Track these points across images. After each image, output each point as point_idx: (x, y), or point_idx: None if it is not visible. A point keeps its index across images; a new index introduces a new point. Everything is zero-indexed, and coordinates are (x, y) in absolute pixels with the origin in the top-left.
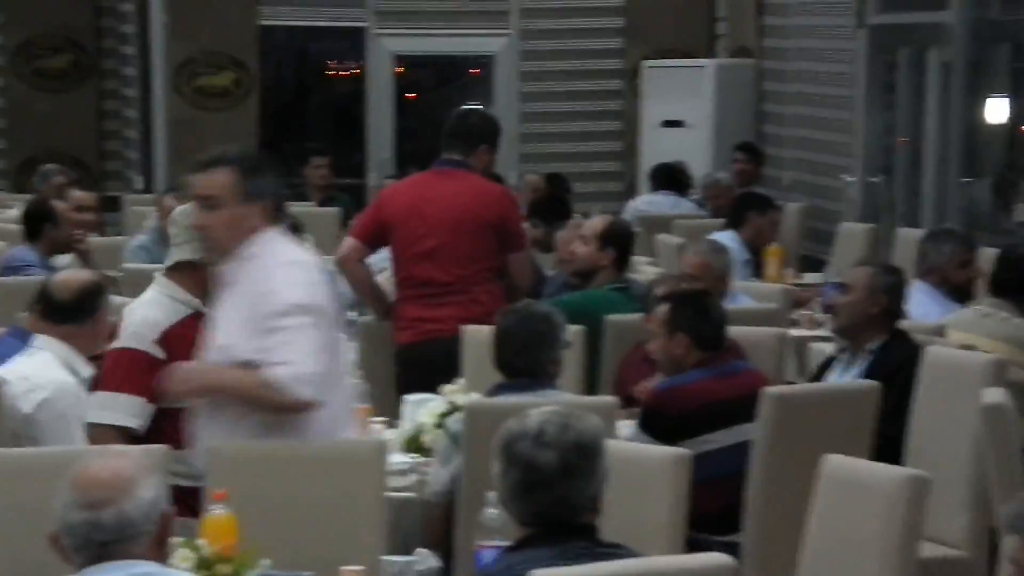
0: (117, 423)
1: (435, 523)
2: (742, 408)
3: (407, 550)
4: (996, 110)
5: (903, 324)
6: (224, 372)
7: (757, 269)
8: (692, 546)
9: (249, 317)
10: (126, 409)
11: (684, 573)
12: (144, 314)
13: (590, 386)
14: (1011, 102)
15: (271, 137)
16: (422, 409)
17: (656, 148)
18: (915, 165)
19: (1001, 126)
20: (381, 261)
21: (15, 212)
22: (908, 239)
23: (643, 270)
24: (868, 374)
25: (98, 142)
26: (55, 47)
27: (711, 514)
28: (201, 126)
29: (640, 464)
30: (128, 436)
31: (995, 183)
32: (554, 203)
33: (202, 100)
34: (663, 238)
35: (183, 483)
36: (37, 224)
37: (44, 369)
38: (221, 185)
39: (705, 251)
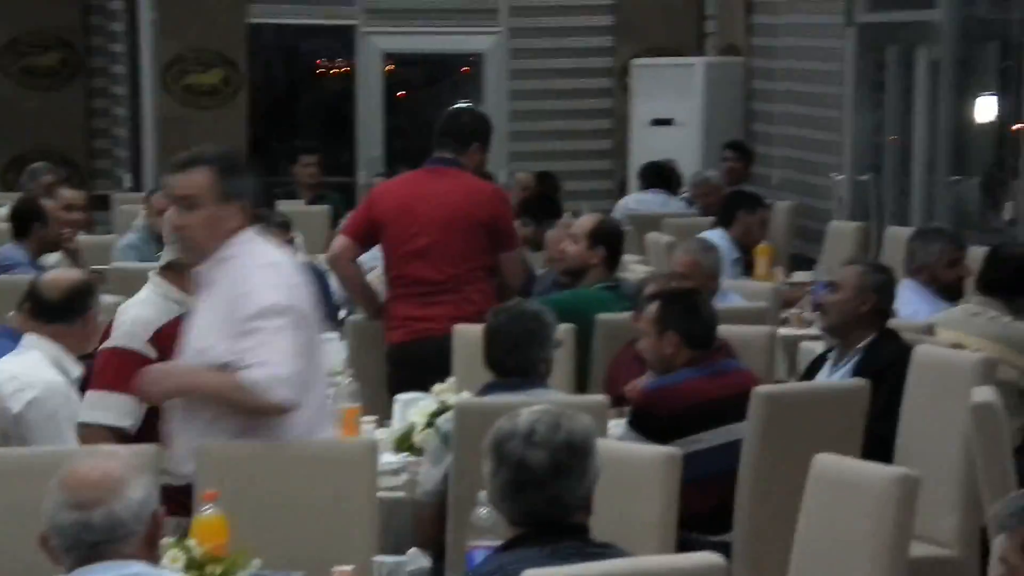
0: (108, 423)
1: (426, 523)
2: (732, 407)
3: (398, 550)
4: (985, 108)
5: (892, 323)
6: (199, 373)
7: (747, 268)
8: (683, 546)
9: (226, 319)
10: (118, 409)
11: (675, 573)
12: (137, 313)
13: (581, 385)
14: (999, 100)
15: (260, 135)
16: (413, 408)
17: (646, 146)
18: (904, 163)
19: (990, 124)
20: (371, 260)
21: (3, 211)
22: (897, 237)
23: (633, 269)
24: (858, 373)
25: (87, 140)
26: (44, 45)
27: (702, 513)
28: (190, 124)
29: (631, 463)
30: (120, 436)
31: (984, 182)
32: (544, 201)
33: (191, 98)
34: (653, 237)
35: (174, 483)
36: (25, 223)
37: (33, 368)
38: (199, 185)
39: (695, 249)
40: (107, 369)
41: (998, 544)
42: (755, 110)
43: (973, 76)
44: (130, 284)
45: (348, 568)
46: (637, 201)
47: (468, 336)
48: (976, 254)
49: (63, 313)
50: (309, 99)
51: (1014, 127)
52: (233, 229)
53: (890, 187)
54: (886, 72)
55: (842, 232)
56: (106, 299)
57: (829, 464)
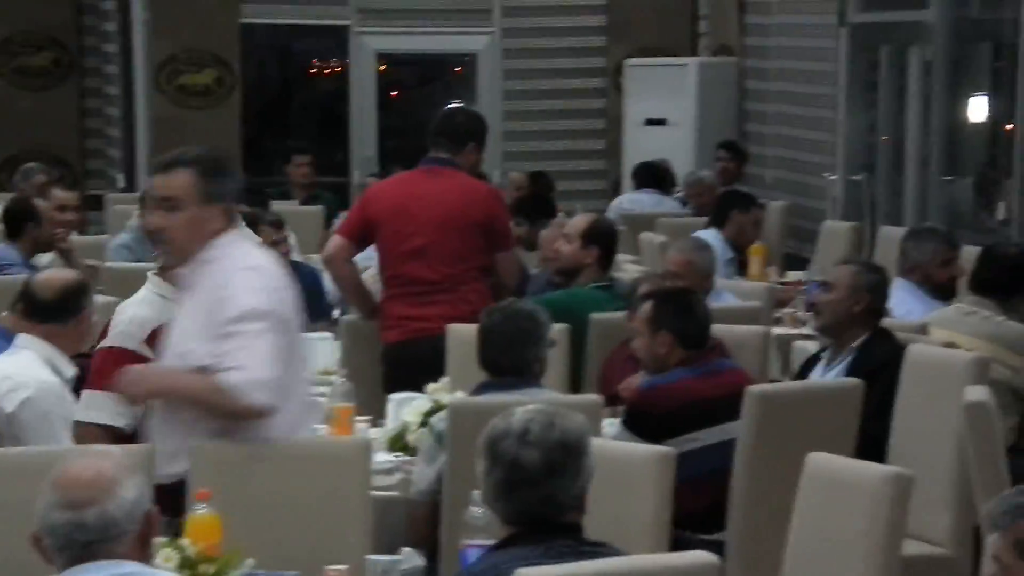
0: (104, 422)
1: (420, 522)
2: (726, 406)
3: (392, 549)
4: (977, 108)
5: (886, 322)
6: (178, 376)
7: (740, 267)
8: (676, 544)
9: (206, 322)
10: (113, 408)
11: (668, 571)
12: (134, 313)
13: (574, 384)
14: (992, 100)
15: (254, 135)
16: (406, 408)
17: (639, 146)
18: (897, 163)
19: (982, 124)
20: (364, 260)
21: None
22: (890, 237)
23: (627, 268)
24: (851, 372)
25: (80, 140)
26: (36, 45)
27: (696, 512)
28: (183, 124)
29: (625, 463)
30: (115, 435)
31: (977, 181)
32: (538, 201)
33: (184, 98)
34: (647, 236)
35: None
36: (18, 223)
37: (27, 368)
38: (181, 186)
39: (688, 249)
40: (103, 368)
41: (991, 543)
42: (748, 110)
43: (966, 76)
44: (123, 284)
45: (341, 567)
46: (631, 201)
47: (462, 335)
48: (969, 254)
49: (56, 313)
50: (302, 99)
51: (1007, 127)
52: (215, 231)
53: (883, 187)
54: (879, 72)
55: (835, 232)
56: (99, 299)
57: (822, 463)
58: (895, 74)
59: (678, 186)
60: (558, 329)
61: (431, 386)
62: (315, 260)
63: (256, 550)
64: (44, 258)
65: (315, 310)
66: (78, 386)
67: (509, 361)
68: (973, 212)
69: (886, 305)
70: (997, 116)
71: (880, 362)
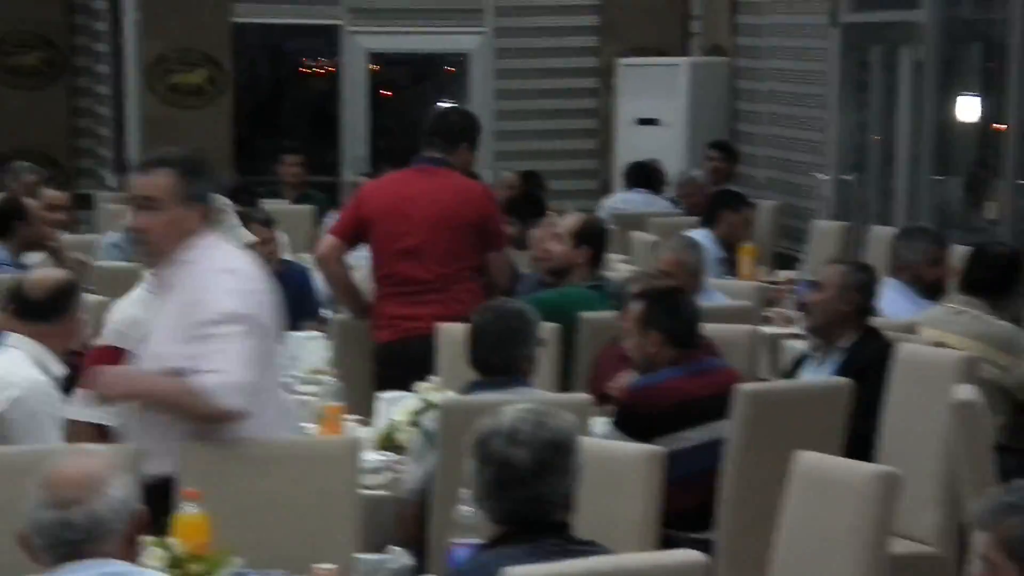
0: (95, 421)
1: (409, 521)
2: (716, 405)
3: (380, 548)
4: (967, 108)
5: (875, 321)
6: (152, 379)
7: (731, 267)
8: (665, 543)
9: (182, 324)
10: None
11: (657, 570)
12: (128, 312)
13: (565, 384)
14: (982, 100)
15: (245, 135)
16: (396, 407)
17: (631, 146)
18: (887, 163)
19: (972, 124)
20: (355, 259)
21: None
22: (881, 237)
23: (618, 268)
24: (840, 371)
25: (70, 140)
26: (27, 44)
27: (685, 511)
28: (174, 124)
29: (614, 461)
30: (108, 434)
31: (967, 181)
32: (529, 201)
33: (175, 98)
34: (638, 236)
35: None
36: (8, 222)
37: (16, 367)
38: (161, 186)
39: (679, 248)
40: (96, 367)
41: (979, 541)
42: (740, 110)
43: (956, 76)
44: (114, 283)
45: (330, 566)
46: (622, 200)
47: (452, 334)
48: (959, 253)
49: (46, 312)
50: (294, 99)
51: (997, 127)
52: (194, 232)
53: (874, 187)
54: (870, 72)
55: (826, 231)
56: (89, 298)
57: (811, 462)
58: (886, 74)
59: (669, 186)
60: (549, 328)
61: (421, 385)
62: (305, 259)
63: (245, 549)
64: (33, 257)
65: (305, 309)
66: (68, 385)
67: (499, 360)
68: (963, 212)
69: (875, 304)
70: (987, 116)
71: (869, 361)
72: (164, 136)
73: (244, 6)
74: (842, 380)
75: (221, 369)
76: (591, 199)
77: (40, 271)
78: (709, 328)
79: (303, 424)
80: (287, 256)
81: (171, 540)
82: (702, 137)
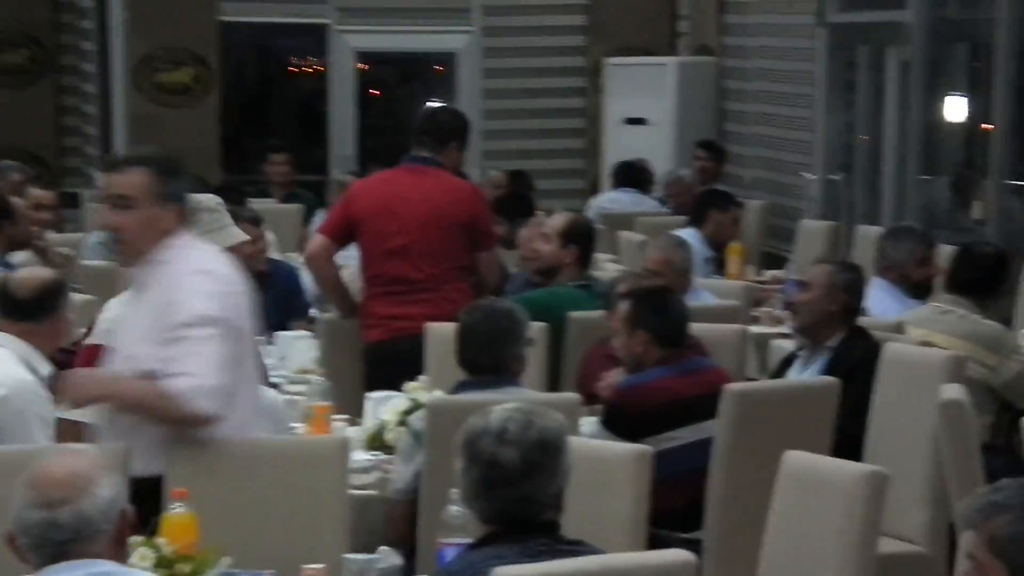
0: (85, 419)
1: (398, 521)
2: (704, 405)
3: (369, 548)
4: (954, 108)
5: (862, 321)
6: (123, 381)
7: (719, 266)
8: (654, 543)
9: (155, 326)
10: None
11: (645, 570)
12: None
13: (553, 383)
14: (969, 100)
15: (233, 134)
16: (384, 407)
17: (618, 145)
18: (874, 163)
19: (959, 124)
20: (343, 258)
21: None
22: (868, 236)
23: (606, 267)
24: (828, 371)
25: (57, 138)
26: (12, 42)
27: (673, 511)
28: (161, 122)
29: (602, 461)
30: (96, 433)
31: (953, 181)
32: (517, 200)
33: (162, 96)
34: (625, 235)
35: None
36: None
37: (2, 367)
38: (136, 185)
39: (666, 247)
40: (88, 366)
41: (966, 540)
42: (727, 109)
43: (943, 76)
44: (100, 282)
45: (319, 566)
46: (610, 200)
47: (441, 334)
48: (945, 253)
49: (33, 312)
50: (282, 97)
51: (983, 127)
52: (169, 231)
53: (861, 186)
54: (857, 72)
55: (813, 231)
56: (76, 297)
57: (799, 461)
58: (873, 74)
59: (657, 185)
60: (537, 328)
61: (409, 385)
62: (293, 258)
63: (233, 549)
64: (19, 256)
65: (293, 309)
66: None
67: (488, 360)
68: (950, 212)
69: (862, 304)
70: (974, 116)
71: (856, 361)
72: (151, 135)
73: (231, 5)
74: (830, 380)
75: (193, 372)
76: (579, 198)
77: (26, 270)
78: (697, 328)
79: (292, 424)
80: (275, 255)
81: (159, 540)
82: (690, 137)
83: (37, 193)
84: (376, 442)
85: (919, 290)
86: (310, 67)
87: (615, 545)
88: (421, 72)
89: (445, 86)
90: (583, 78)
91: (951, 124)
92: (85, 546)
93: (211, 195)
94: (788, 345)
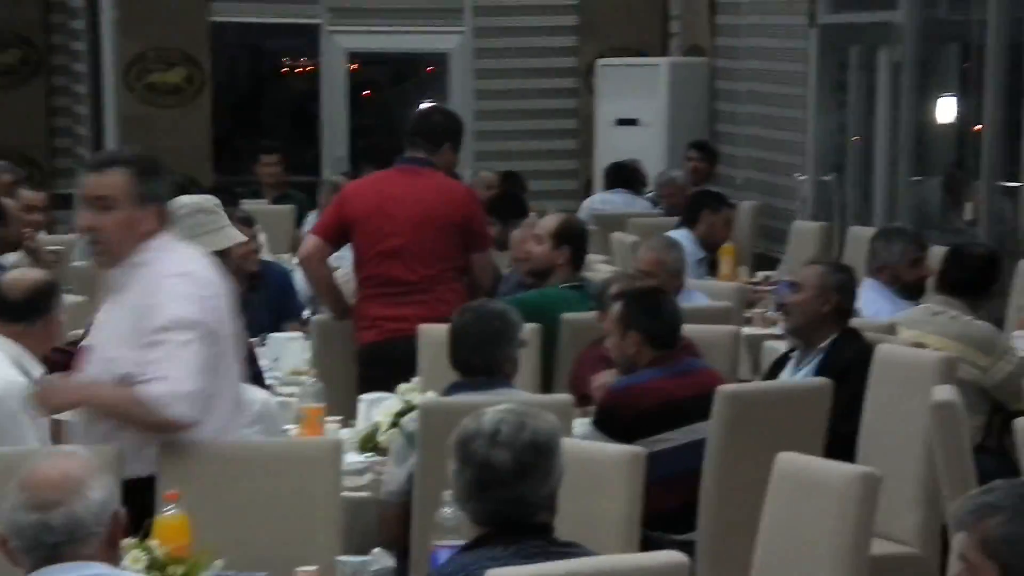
0: (68, 419)
1: (391, 523)
2: (697, 406)
3: (362, 550)
4: (945, 109)
5: (854, 322)
6: (98, 387)
7: (711, 267)
8: (647, 544)
9: (133, 328)
10: None
11: (638, 571)
12: None
13: (546, 384)
14: (960, 101)
15: (224, 134)
16: (377, 408)
17: (611, 146)
18: (866, 164)
19: (950, 125)
20: (335, 259)
21: None
22: (859, 237)
23: (598, 268)
24: (820, 372)
25: (48, 139)
26: (3, 43)
27: (666, 512)
28: (153, 123)
29: (595, 463)
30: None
31: (945, 182)
32: (509, 201)
33: (154, 97)
34: (618, 236)
35: None
36: None
37: None
38: (115, 186)
39: (658, 247)
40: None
41: (958, 541)
42: (719, 110)
43: (934, 77)
44: (91, 284)
45: (312, 568)
46: (602, 201)
47: (434, 335)
48: (937, 254)
49: (25, 313)
50: (273, 98)
51: (974, 127)
52: (148, 233)
53: (852, 187)
54: (848, 73)
55: (805, 232)
56: (67, 299)
57: (792, 463)
58: (864, 75)
59: (649, 186)
60: (530, 329)
61: (402, 386)
62: (286, 259)
63: (226, 551)
64: (10, 257)
65: (286, 310)
66: None
67: (480, 361)
68: (941, 212)
69: (854, 305)
70: (965, 117)
71: (849, 362)
72: (142, 135)
73: (223, 5)
74: (822, 381)
75: (169, 377)
76: (571, 199)
77: (18, 272)
78: (689, 329)
79: (284, 426)
80: (267, 256)
81: (152, 542)
82: (682, 137)
83: (28, 195)
84: (369, 444)
85: (911, 291)
86: (302, 67)
87: (608, 547)
88: (413, 73)
89: (437, 87)
90: (575, 79)
91: (942, 125)
92: (77, 548)
93: (209, 196)
94: (781, 346)
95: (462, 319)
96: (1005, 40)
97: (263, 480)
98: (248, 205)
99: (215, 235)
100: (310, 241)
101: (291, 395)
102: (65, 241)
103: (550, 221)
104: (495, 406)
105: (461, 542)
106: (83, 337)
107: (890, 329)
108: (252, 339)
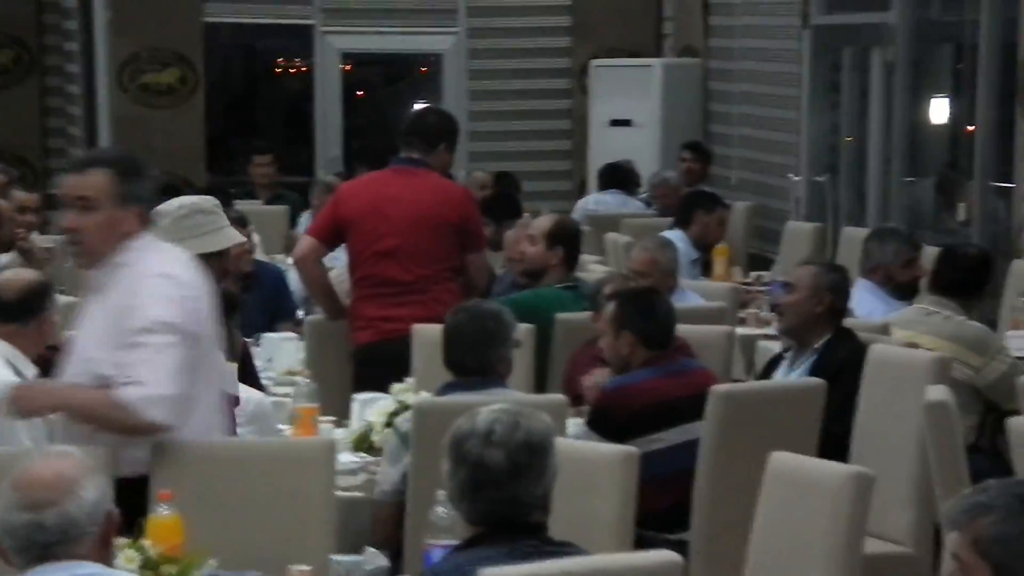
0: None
1: (384, 522)
2: (691, 406)
3: (356, 549)
4: (938, 110)
5: (848, 322)
6: (73, 391)
7: (705, 268)
8: (641, 544)
9: (113, 329)
10: None
11: (632, 571)
12: None
13: (540, 384)
14: (953, 102)
15: (218, 134)
16: (371, 408)
17: (604, 147)
18: (859, 164)
19: (943, 126)
20: (329, 260)
21: None
22: (853, 238)
23: (592, 269)
24: (814, 372)
25: (41, 139)
26: None
27: (660, 512)
28: (146, 123)
29: (589, 462)
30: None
31: (938, 182)
32: (503, 202)
33: (147, 97)
34: (612, 237)
35: None
36: None
37: None
38: (96, 187)
39: (652, 247)
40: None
41: (951, 541)
42: (713, 111)
43: (927, 78)
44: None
45: (305, 568)
46: (596, 202)
47: (428, 336)
48: (930, 254)
49: (18, 314)
50: (267, 98)
51: (967, 128)
52: (129, 233)
53: (846, 188)
54: (842, 74)
55: (799, 232)
56: (60, 299)
57: (785, 462)
58: (857, 75)
59: (643, 187)
60: (524, 329)
61: (396, 386)
62: (279, 260)
63: (219, 550)
64: (3, 258)
65: (280, 310)
66: None
67: (474, 361)
68: (934, 213)
69: (847, 305)
70: (958, 117)
71: (842, 362)
72: (136, 136)
73: (216, 5)
74: (816, 381)
75: (146, 381)
76: (565, 200)
77: (11, 272)
78: (683, 329)
79: (278, 425)
80: (261, 257)
81: (145, 542)
82: (675, 138)
83: (21, 196)
84: (363, 444)
85: (904, 291)
86: (295, 68)
87: (602, 546)
88: (407, 73)
89: (430, 87)
90: (569, 80)
91: (935, 126)
92: (70, 548)
93: (207, 196)
94: (774, 346)
95: (456, 319)
96: (998, 41)
97: (257, 480)
98: (242, 205)
99: (214, 235)
100: (305, 242)
101: (285, 395)
102: (57, 240)
103: (543, 222)
104: (489, 406)
105: (455, 542)
106: None
107: (883, 329)
108: (246, 339)
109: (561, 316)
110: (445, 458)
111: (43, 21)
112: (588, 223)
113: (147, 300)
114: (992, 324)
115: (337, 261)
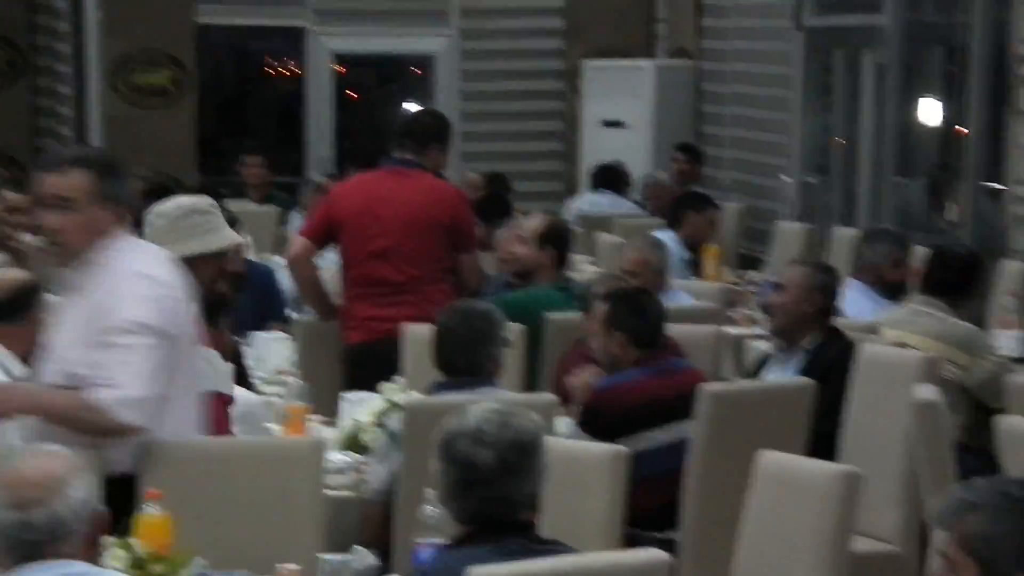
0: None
1: (373, 521)
2: (680, 406)
3: (344, 548)
4: (929, 111)
5: (838, 322)
6: (45, 393)
7: (695, 268)
8: (629, 542)
9: (88, 329)
10: None
11: (620, 569)
12: None
13: (530, 384)
14: (943, 103)
15: (210, 135)
16: (361, 407)
17: (596, 148)
18: (850, 165)
19: (934, 127)
20: (323, 260)
21: None
22: (844, 238)
23: (583, 269)
24: (803, 372)
25: (32, 140)
26: None
27: (649, 511)
28: (137, 124)
29: (578, 461)
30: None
31: (929, 183)
32: (495, 202)
33: (139, 98)
34: (603, 237)
35: None
36: None
37: None
38: (76, 186)
39: (643, 247)
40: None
41: (938, 539)
42: (705, 112)
43: (918, 79)
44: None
45: (293, 567)
46: (588, 202)
47: (418, 335)
48: (920, 255)
49: (7, 313)
50: (259, 99)
51: (958, 129)
52: (108, 233)
53: (837, 189)
54: (833, 75)
55: (790, 233)
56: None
57: (774, 461)
58: (849, 77)
59: (634, 187)
60: (514, 329)
61: (386, 386)
62: (270, 260)
63: (207, 549)
64: None
65: (270, 310)
66: None
67: (464, 361)
68: (925, 214)
69: (837, 305)
70: (948, 119)
71: (832, 362)
72: (127, 136)
73: (208, 7)
74: (805, 380)
75: (119, 383)
76: (557, 201)
77: (0, 272)
78: (673, 329)
79: (267, 424)
80: (252, 257)
81: (133, 540)
82: (667, 139)
83: (12, 197)
84: (352, 443)
85: (894, 291)
86: (287, 69)
87: (591, 545)
88: (399, 75)
89: (423, 89)
90: (561, 81)
91: (926, 127)
92: (58, 547)
93: (203, 196)
94: (764, 346)
95: (446, 319)
96: (988, 43)
97: (245, 479)
98: (232, 205)
99: (212, 235)
100: (298, 242)
101: (275, 394)
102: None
103: (534, 222)
104: (479, 405)
105: (444, 540)
106: None
107: (873, 329)
108: (237, 338)
109: (552, 316)
110: (435, 457)
111: (34, 22)
112: (580, 223)
113: (124, 300)
114: (981, 324)
115: (326, 261)
